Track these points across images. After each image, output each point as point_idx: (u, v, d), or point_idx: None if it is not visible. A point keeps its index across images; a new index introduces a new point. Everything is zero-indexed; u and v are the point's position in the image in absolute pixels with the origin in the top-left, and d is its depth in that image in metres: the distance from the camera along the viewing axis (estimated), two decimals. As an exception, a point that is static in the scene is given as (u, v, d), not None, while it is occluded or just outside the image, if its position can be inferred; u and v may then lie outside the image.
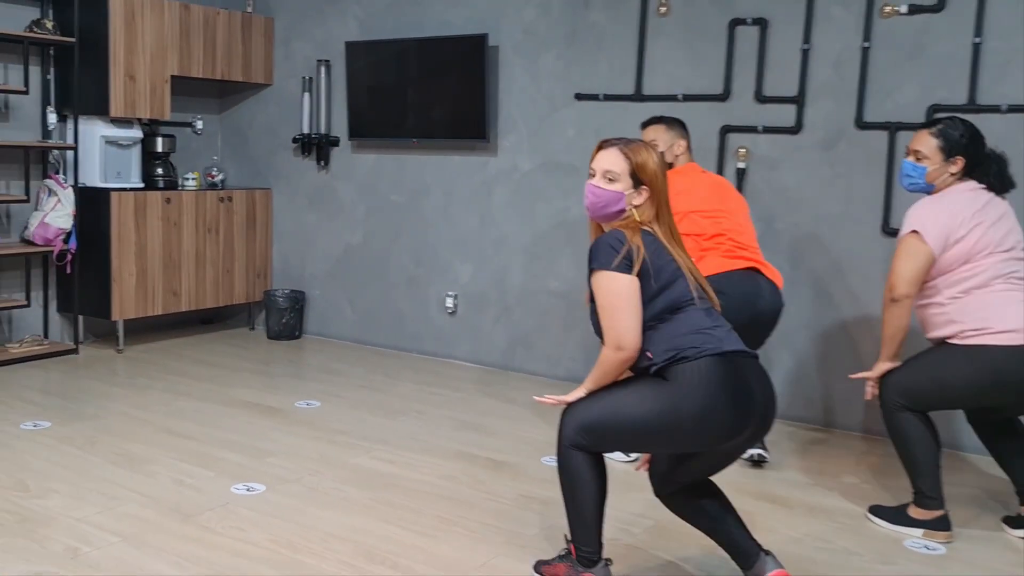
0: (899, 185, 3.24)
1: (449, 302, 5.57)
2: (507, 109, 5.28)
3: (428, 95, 5.40)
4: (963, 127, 3.17)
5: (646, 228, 2.51)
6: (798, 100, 4.46)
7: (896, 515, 3.23)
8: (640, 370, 2.46)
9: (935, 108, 4.13)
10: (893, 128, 4.22)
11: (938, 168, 3.15)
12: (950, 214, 3.06)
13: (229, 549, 2.82)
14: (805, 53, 4.43)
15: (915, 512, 3.18)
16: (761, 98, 4.55)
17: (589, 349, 5.06)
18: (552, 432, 3.97)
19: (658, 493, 2.65)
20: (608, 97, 4.93)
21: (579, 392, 2.52)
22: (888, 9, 4.22)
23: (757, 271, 3.65)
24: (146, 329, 5.97)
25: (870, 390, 3.24)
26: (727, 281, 3.49)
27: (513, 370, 5.36)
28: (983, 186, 3.15)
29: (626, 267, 2.41)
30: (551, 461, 3.71)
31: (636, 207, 2.51)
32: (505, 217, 5.36)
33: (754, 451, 3.76)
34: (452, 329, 5.60)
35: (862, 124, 4.31)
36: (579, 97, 5.02)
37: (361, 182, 5.90)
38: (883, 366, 3.19)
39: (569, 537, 2.60)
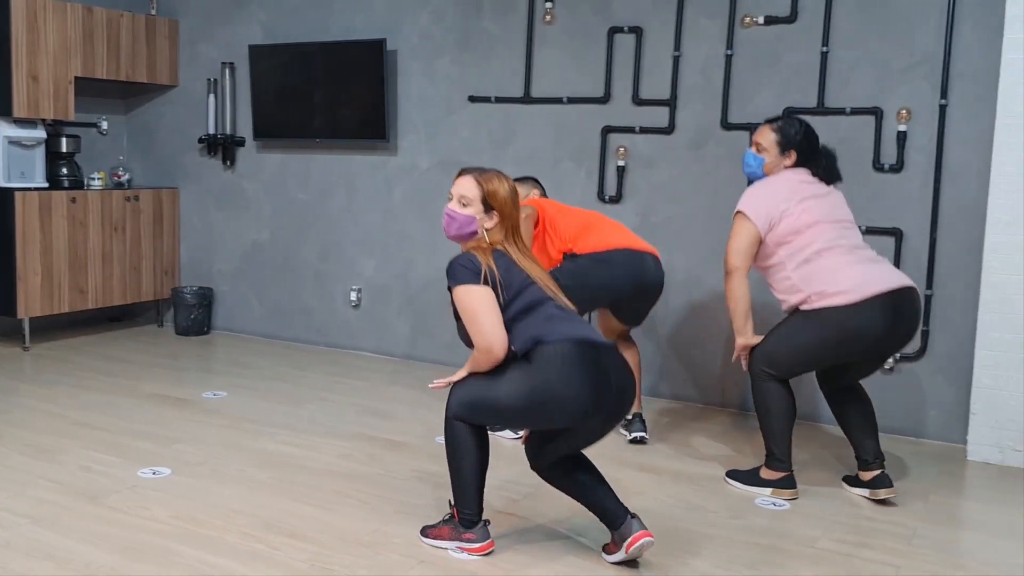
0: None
1: (353, 296, 5.81)
2: (406, 111, 5.55)
3: (331, 97, 5.62)
4: (799, 125, 3.59)
5: (498, 248, 2.83)
6: (671, 103, 4.83)
7: (748, 477, 3.61)
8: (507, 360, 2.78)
9: (789, 111, 4.54)
10: (754, 129, 4.56)
11: (774, 160, 3.57)
12: (771, 193, 3.49)
13: (136, 527, 3.03)
14: (676, 60, 4.80)
15: (765, 473, 3.57)
16: (638, 101, 4.91)
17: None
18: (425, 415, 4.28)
19: (533, 466, 2.96)
20: (499, 99, 5.24)
21: (461, 373, 2.83)
22: (747, 20, 4.62)
23: (639, 250, 4.01)
24: (53, 327, 6.06)
25: (744, 364, 3.60)
26: (614, 254, 3.90)
27: (416, 359, 5.63)
28: (809, 172, 3.56)
29: (477, 280, 2.74)
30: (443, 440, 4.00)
31: (487, 229, 2.84)
32: (405, 213, 5.63)
33: (636, 433, 4.11)
34: (357, 321, 5.85)
35: (727, 125, 4.70)
36: (472, 99, 5.31)
37: (267, 181, 6.09)
38: (740, 340, 3.56)
39: (452, 502, 2.89)
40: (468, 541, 2.87)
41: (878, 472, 3.53)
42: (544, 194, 4.36)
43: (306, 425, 4.23)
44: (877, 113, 4.37)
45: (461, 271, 2.76)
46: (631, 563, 2.86)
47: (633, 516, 2.85)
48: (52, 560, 2.77)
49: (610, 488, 2.90)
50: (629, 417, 4.14)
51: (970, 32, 4.18)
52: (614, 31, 4.93)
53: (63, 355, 5.48)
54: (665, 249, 4.85)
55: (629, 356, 4.06)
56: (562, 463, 2.92)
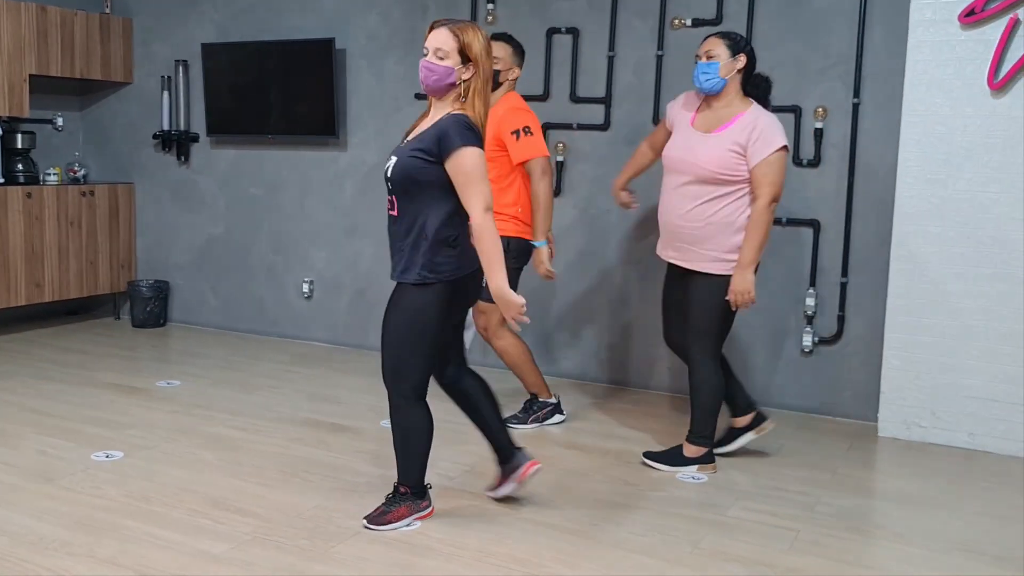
0: (698, 85, 3.63)
1: (305, 287, 6.00)
2: (355, 108, 5.74)
3: (283, 95, 5.80)
4: (741, 36, 3.72)
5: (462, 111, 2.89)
6: (606, 101, 5.07)
7: (671, 457, 3.83)
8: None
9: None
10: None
11: (727, 64, 3.57)
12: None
13: (88, 504, 3.22)
14: (611, 59, 5.04)
15: (689, 450, 3.82)
16: (575, 99, 5.14)
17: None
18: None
19: (443, 382, 3.21)
20: (444, 97, 5.44)
21: (499, 279, 2.85)
22: (676, 22, 4.86)
23: None
24: (10, 320, 6.18)
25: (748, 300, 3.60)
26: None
27: (366, 348, 5.83)
28: None
29: (480, 143, 2.87)
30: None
31: (464, 81, 2.85)
32: (355, 207, 5.82)
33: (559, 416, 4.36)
34: (309, 312, 6.04)
35: (658, 122, 4.93)
36: (419, 97, 5.51)
37: (221, 176, 6.25)
38: (750, 277, 3.56)
39: (400, 481, 3.10)
40: (423, 509, 3.12)
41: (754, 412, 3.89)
42: (522, 61, 4.29)
43: (256, 411, 4.42)
44: (796, 111, 4.63)
45: (466, 132, 2.81)
46: (548, 524, 3.10)
47: (520, 448, 3.20)
48: (6, 535, 2.95)
49: (503, 422, 3.23)
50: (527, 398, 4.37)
51: (879, 36, 4.45)
52: (552, 32, 5.16)
53: (20, 347, 5.62)
54: (602, 240, 5.11)
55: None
56: (471, 392, 3.19)
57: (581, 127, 5.13)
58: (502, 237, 4.12)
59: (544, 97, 5.20)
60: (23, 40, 5.76)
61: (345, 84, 5.74)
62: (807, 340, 4.68)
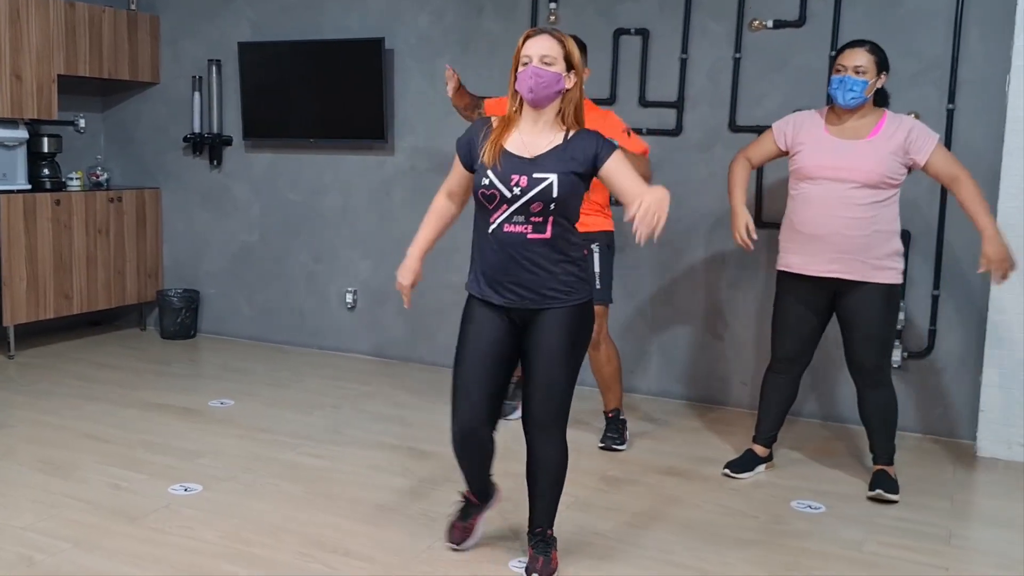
0: (840, 101, 3.49)
1: (349, 298, 5.73)
2: (403, 111, 5.48)
3: (326, 96, 5.52)
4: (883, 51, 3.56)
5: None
6: (678, 105, 4.85)
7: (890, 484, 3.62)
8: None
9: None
10: (763, 131, 4.63)
11: (873, 82, 3.47)
12: None
13: (183, 547, 2.95)
14: (683, 62, 4.82)
15: (892, 473, 3.66)
16: (644, 103, 4.92)
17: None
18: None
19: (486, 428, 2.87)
20: (502, 100, 5.20)
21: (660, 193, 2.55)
22: (756, 23, 4.65)
23: None
24: (35, 333, 5.86)
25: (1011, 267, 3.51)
26: None
27: (414, 361, 5.57)
28: None
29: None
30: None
31: (568, 91, 2.67)
32: (404, 215, 5.56)
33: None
34: (352, 324, 5.77)
35: (735, 128, 4.74)
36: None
37: (256, 181, 5.96)
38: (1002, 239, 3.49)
39: (549, 525, 2.84)
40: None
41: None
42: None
43: (322, 434, 4.15)
44: (886, 117, 4.44)
45: (608, 139, 2.72)
46: (674, 563, 2.87)
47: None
48: (105, 587, 2.68)
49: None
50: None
51: (977, 39, 4.26)
52: (620, 33, 4.93)
53: (50, 363, 5.30)
54: (672, 252, 4.89)
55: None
56: (493, 445, 2.92)
57: (651, 132, 4.91)
58: (604, 232, 4.00)
59: (611, 100, 4.97)
60: (51, 39, 5.44)
61: (392, 86, 5.47)
62: (896, 355, 4.48)
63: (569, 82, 2.67)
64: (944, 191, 4.37)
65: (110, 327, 6.30)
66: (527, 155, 2.67)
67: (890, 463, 3.67)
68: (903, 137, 3.48)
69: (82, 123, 5.93)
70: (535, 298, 2.69)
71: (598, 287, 3.87)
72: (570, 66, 2.66)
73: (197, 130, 6.00)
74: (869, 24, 4.44)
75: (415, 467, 3.77)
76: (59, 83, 5.61)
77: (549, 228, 2.66)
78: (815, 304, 3.63)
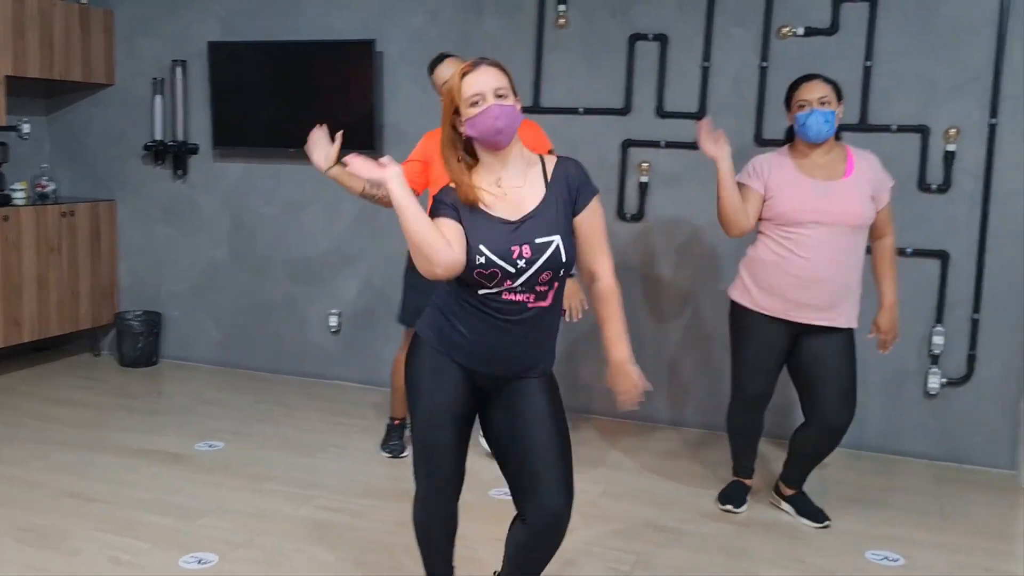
0: (813, 135, 3.29)
1: (333, 320, 5.28)
2: (395, 119, 5.06)
3: (308, 102, 5.06)
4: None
5: None
6: (699, 116, 4.55)
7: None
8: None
9: (829, 127, 4.32)
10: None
11: (839, 112, 3.33)
12: None
13: (213, 639, 2.51)
14: (705, 70, 4.52)
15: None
16: (662, 113, 4.61)
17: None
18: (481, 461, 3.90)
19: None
20: (505, 109, 4.82)
21: (627, 348, 2.32)
22: (785, 30, 4.38)
23: None
24: (-24, 363, 5.26)
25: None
26: None
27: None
28: None
29: None
30: (500, 494, 3.60)
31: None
32: (394, 231, 5.10)
33: None
34: (337, 349, 5.32)
35: (761, 141, 4.46)
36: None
37: (226, 193, 5.46)
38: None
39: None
40: None
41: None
42: None
43: (334, 482, 3.72)
44: (923, 131, 4.22)
45: (589, 177, 2.33)
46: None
47: None
48: None
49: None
50: None
51: (1022, 51, 4.07)
52: (636, 38, 4.60)
53: (2, 399, 4.72)
54: (690, 271, 4.60)
55: None
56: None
57: (669, 145, 4.60)
58: None
59: (625, 111, 4.65)
60: (1, 37, 4.86)
61: (382, 91, 5.05)
62: (934, 381, 4.28)
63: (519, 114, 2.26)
64: (985, 211, 4.18)
65: (59, 353, 5.71)
66: (515, 216, 2.22)
67: (803, 484, 3.58)
68: (872, 176, 3.35)
69: (26, 128, 5.33)
70: (522, 369, 2.31)
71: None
72: (514, 95, 2.26)
73: (159, 137, 5.46)
74: (906, 32, 4.22)
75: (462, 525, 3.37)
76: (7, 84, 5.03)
77: (551, 295, 2.27)
78: (783, 344, 3.42)
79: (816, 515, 3.48)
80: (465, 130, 2.22)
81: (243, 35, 5.24)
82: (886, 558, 3.21)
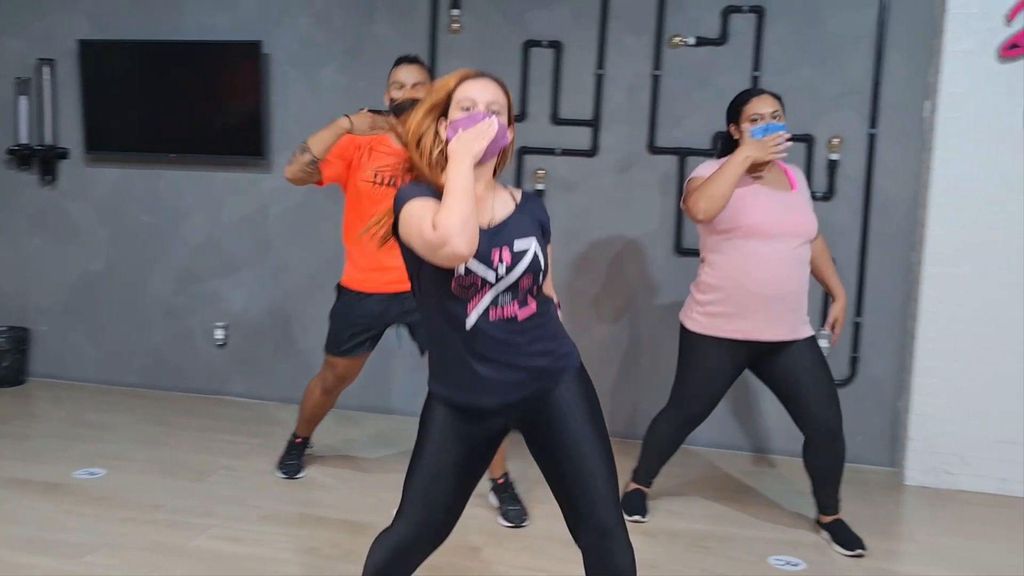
0: None
1: (219, 333, 5.07)
2: (283, 124, 4.88)
3: (190, 106, 4.83)
4: None
5: None
6: (594, 123, 4.56)
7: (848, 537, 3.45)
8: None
9: (719, 135, 4.40)
10: (683, 153, 4.46)
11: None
12: None
13: None
14: (599, 78, 4.53)
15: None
16: (557, 120, 4.60)
17: (383, 374, 4.87)
18: (386, 476, 3.81)
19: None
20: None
21: None
22: (677, 40, 4.44)
23: None
24: None
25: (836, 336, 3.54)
26: None
27: (297, 403, 4.98)
28: None
29: None
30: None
31: (505, 148, 2.21)
32: (283, 240, 4.97)
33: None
34: (224, 363, 5.11)
35: (654, 149, 4.51)
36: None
37: (100, 201, 5.16)
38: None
39: None
40: None
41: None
42: None
43: (230, 508, 3.56)
44: (808, 140, 4.34)
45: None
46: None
47: None
48: None
49: None
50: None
51: (899, 63, 4.24)
52: (531, 44, 4.58)
53: None
54: (588, 279, 4.61)
55: None
56: None
57: (566, 152, 4.60)
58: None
59: (520, 118, 4.61)
60: None
61: (269, 95, 4.86)
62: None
63: (511, 135, 2.22)
64: (867, 217, 4.33)
65: (-86, 374, 5.28)
66: (486, 224, 2.15)
67: (839, 510, 3.54)
68: (805, 187, 3.47)
69: None
70: (544, 380, 2.21)
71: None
72: (510, 120, 2.22)
73: (24, 140, 5.12)
74: (791, 44, 4.33)
75: (357, 547, 3.27)
76: None
77: (532, 300, 2.20)
78: (740, 365, 3.44)
79: (849, 543, 3.38)
80: (447, 133, 2.13)
81: (117, 33, 4.96)
82: (788, 563, 3.28)
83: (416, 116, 2.17)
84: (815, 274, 3.52)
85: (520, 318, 2.17)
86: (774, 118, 3.32)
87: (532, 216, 2.23)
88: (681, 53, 4.45)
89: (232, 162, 4.95)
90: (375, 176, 3.58)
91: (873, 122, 4.28)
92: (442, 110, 2.16)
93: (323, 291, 4.88)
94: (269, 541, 3.27)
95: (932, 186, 4.09)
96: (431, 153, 2.16)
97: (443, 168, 2.11)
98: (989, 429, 4.11)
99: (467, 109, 2.12)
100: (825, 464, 3.46)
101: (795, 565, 3.27)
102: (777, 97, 3.41)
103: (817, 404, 3.35)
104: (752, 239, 3.28)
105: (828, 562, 3.31)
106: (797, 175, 3.48)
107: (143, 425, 4.54)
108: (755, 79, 4.37)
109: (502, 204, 2.22)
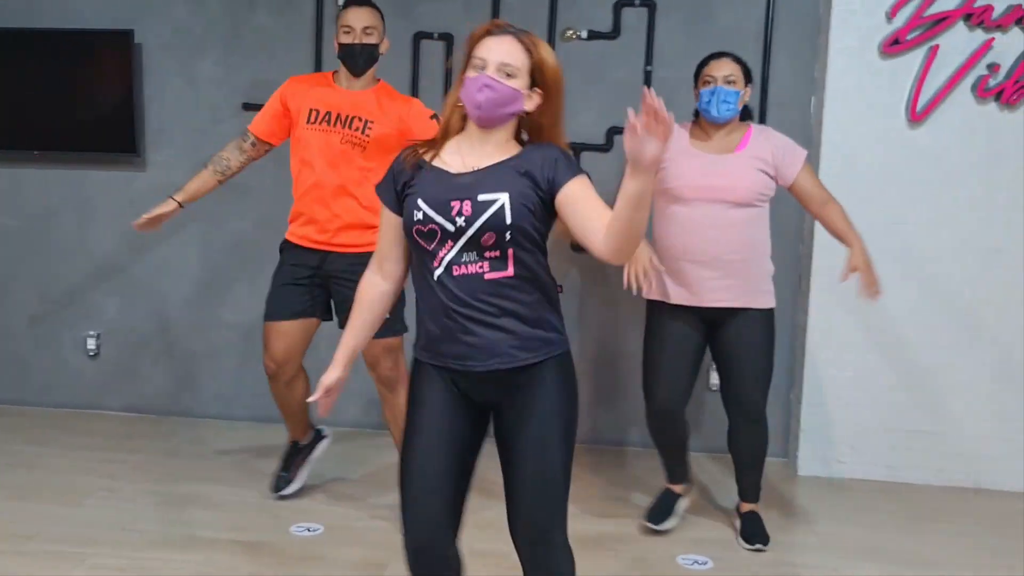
0: (715, 114, 3.22)
1: (91, 343, 4.74)
2: (158, 118, 4.59)
3: (54, 99, 4.49)
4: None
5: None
6: (487, 119, 4.46)
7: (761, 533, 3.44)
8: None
9: (614, 130, 4.38)
10: (577, 149, 4.39)
11: (744, 93, 3.27)
12: None
13: None
14: (492, 72, 4.43)
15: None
16: (449, 115, 4.47)
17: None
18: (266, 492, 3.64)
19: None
20: (282, 109, 4.51)
21: None
22: (569, 33, 4.38)
23: None
24: None
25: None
26: None
27: (179, 415, 4.73)
28: None
29: None
30: (302, 530, 3.36)
31: (528, 114, 2.10)
32: (160, 242, 4.67)
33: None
34: (97, 375, 4.78)
35: (550, 144, 4.44)
36: (248, 107, 4.50)
37: (-47, 202, 4.75)
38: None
39: None
40: None
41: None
42: None
43: (113, 533, 3.30)
44: (701, 136, 4.36)
45: (574, 160, 2.13)
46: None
47: None
48: None
49: None
50: None
51: (785, 60, 4.30)
52: (421, 36, 4.44)
53: None
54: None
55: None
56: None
57: (458, 148, 4.47)
58: None
59: (410, 112, 4.47)
60: None
61: (142, 88, 4.57)
62: (715, 377, 4.44)
63: (530, 103, 2.08)
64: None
65: None
66: (465, 171, 2.06)
67: (758, 499, 3.56)
68: (771, 150, 3.26)
69: None
70: (503, 357, 2.06)
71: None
72: (535, 82, 2.07)
73: None
74: (683, 38, 4.34)
75: (252, 567, 3.08)
76: None
77: (511, 263, 2.04)
78: (695, 343, 3.35)
79: (751, 537, 3.38)
80: (457, 89, 2.07)
81: (-35, 20, 4.56)
82: (695, 562, 3.27)
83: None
84: (832, 233, 3.41)
85: (486, 279, 2.03)
86: (727, 83, 3.22)
87: (531, 166, 2.04)
88: (574, 47, 4.40)
89: (102, 159, 4.62)
90: (309, 115, 3.39)
91: (762, 117, 4.32)
92: (465, 65, 2.09)
93: (208, 293, 4.66)
94: (158, 568, 3.05)
95: (820, 178, 4.15)
96: (450, 101, 2.12)
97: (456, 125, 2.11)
98: (877, 417, 4.22)
99: (476, 67, 2.04)
100: (744, 449, 3.45)
101: (703, 564, 3.26)
102: (740, 62, 3.30)
103: (743, 385, 3.32)
104: (675, 203, 3.24)
105: (735, 558, 3.32)
106: (757, 137, 3.30)
107: (9, 446, 4.20)
108: (647, 73, 4.36)
109: (492, 153, 2.09)
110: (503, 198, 2.01)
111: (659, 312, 3.37)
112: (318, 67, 4.48)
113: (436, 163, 2.10)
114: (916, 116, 4.02)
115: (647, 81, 4.36)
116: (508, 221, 2.00)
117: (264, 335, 3.50)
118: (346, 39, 3.39)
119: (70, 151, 4.58)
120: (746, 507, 3.53)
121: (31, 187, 4.71)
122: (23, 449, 4.16)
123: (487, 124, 2.07)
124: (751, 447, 3.45)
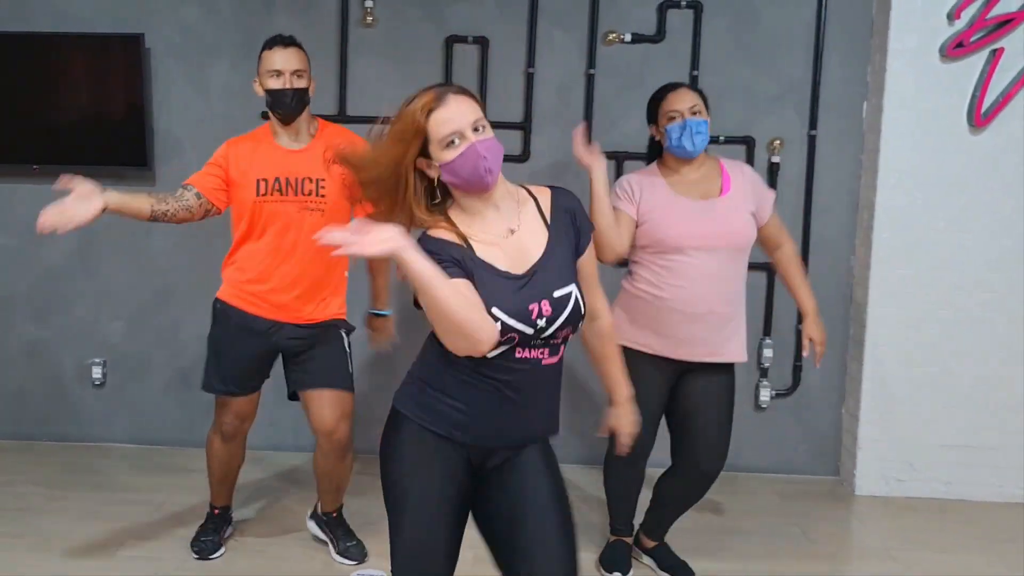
0: (690, 148, 2.99)
1: (96, 372, 4.40)
2: (167, 128, 4.27)
3: (57, 109, 4.15)
4: None
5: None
6: (524, 126, 4.23)
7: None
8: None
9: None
10: (621, 157, 4.19)
11: (709, 121, 3.07)
12: None
13: None
14: (530, 77, 4.20)
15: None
16: (484, 123, 4.22)
17: (284, 412, 4.35)
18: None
19: None
20: (304, 117, 4.21)
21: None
22: (612, 36, 4.16)
23: None
24: None
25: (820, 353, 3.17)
26: None
27: (192, 446, 4.39)
28: None
29: None
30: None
31: None
32: (169, 261, 4.36)
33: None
34: (102, 405, 4.44)
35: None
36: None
37: (-59, 221, 4.37)
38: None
39: None
40: None
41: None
42: None
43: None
44: (749, 142, 4.18)
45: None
46: None
47: None
48: None
49: None
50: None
51: (837, 64, 4.13)
52: (453, 40, 4.18)
53: None
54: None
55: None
56: None
57: (493, 158, 4.23)
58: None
59: (442, 120, 4.21)
60: None
61: (152, 94, 4.24)
62: (764, 395, 4.27)
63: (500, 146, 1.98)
64: (808, 221, 4.21)
65: None
66: (520, 268, 1.91)
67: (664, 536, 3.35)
68: (751, 188, 3.08)
69: None
70: (528, 438, 2.02)
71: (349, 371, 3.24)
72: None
73: None
74: (729, 41, 4.15)
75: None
76: None
77: (562, 349, 2.00)
78: (665, 386, 3.10)
79: (678, 569, 3.21)
80: (440, 175, 1.88)
81: (-46, 23, 4.19)
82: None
83: (382, 162, 1.89)
84: (784, 283, 3.29)
85: (543, 363, 1.95)
86: (693, 114, 3.01)
87: (566, 233, 1.98)
88: (616, 50, 4.18)
89: (108, 173, 4.24)
90: (258, 186, 3.10)
91: (813, 123, 4.16)
92: (418, 150, 1.89)
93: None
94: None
95: (878, 186, 4.00)
96: (412, 194, 1.90)
97: (428, 208, 1.93)
98: (935, 433, 4.07)
99: (452, 144, 1.87)
100: (682, 499, 3.23)
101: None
102: (697, 90, 3.12)
103: (701, 444, 3.08)
104: (664, 253, 2.99)
105: None
106: (735, 175, 3.09)
107: (9, 487, 3.85)
108: (694, 78, 4.16)
109: (532, 235, 1.95)
110: (573, 290, 1.95)
111: (628, 356, 3.07)
112: (343, 73, 4.21)
113: (487, 261, 1.90)
114: (981, 122, 3.87)
115: (694, 86, 4.15)
116: (582, 312, 1.97)
117: (220, 404, 3.24)
118: (274, 84, 3.08)
119: (73, 164, 4.20)
120: (651, 543, 3.33)
121: (26, 203, 4.31)
122: (28, 493, 3.81)
123: (494, 184, 1.93)
124: (691, 500, 3.23)
